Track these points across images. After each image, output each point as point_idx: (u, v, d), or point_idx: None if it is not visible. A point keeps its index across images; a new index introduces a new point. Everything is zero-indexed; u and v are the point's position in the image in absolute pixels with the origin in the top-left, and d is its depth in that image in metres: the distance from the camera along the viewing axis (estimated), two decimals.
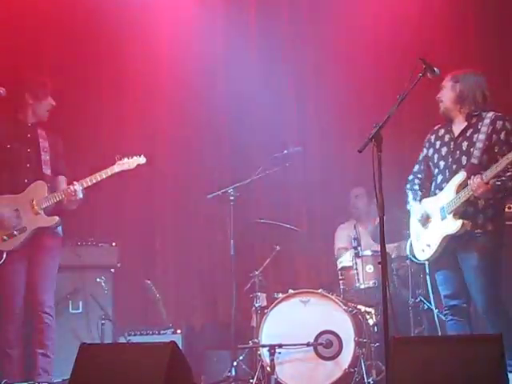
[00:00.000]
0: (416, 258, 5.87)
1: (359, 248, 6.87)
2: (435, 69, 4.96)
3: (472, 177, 5.34)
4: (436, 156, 5.74)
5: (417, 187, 5.88)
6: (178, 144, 8.24)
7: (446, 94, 5.71)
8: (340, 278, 6.99)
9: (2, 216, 6.04)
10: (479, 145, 5.45)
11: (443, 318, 6.79)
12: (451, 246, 5.54)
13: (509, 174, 5.28)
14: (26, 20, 7.79)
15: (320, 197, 8.07)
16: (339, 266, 7.05)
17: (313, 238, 7.86)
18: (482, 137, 5.46)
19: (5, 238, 6.01)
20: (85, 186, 6.06)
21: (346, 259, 7.02)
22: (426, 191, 5.84)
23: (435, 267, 5.76)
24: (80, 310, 7.06)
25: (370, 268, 6.81)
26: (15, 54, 7.63)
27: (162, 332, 7.16)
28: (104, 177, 6.12)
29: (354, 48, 8.03)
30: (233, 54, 8.06)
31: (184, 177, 8.29)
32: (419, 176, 5.91)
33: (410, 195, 5.89)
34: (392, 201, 5.26)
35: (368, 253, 6.87)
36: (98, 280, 7.11)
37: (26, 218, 6.03)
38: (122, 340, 6.98)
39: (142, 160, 6.23)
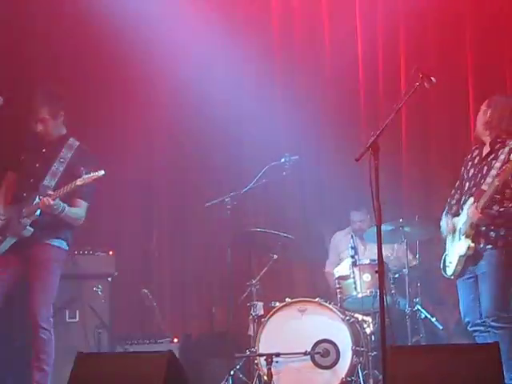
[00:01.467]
0: (445, 273, 5.91)
1: (356, 257, 6.89)
2: (432, 78, 4.99)
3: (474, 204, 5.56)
4: (465, 176, 5.89)
5: (454, 201, 5.98)
6: (176, 153, 8.29)
7: (479, 119, 5.86)
8: (337, 286, 7.00)
9: None
10: (493, 172, 5.54)
11: (440, 326, 6.85)
12: (470, 264, 5.67)
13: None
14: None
15: (317, 205, 8.10)
16: (336, 275, 7.07)
17: (310, 246, 7.88)
18: (498, 164, 5.56)
19: None
20: (55, 197, 5.97)
21: (343, 268, 7.04)
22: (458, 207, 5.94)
23: (458, 281, 5.85)
24: (77, 319, 7.05)
25: (367, 277, 6.83)
26: (32, 65, 7.72)
27: (159, 341, 7.16)
28: (72, 187, 6.00)
29: (350, 57, 8.07)
30: (230, 67, 8.11)
31: (181, 185, 8.33)
32: (459, 191, 5.98)
33: (445, 209, 6.02)
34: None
35: (365, 261, 6.89)
36: (94, 289, 7.11)
37: (12, 228, 6.06)
38: (118, 349, 6.98)
39: (100, 173, 6.13)
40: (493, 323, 5.52)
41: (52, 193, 6.00)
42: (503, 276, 5.59)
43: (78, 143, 6.28)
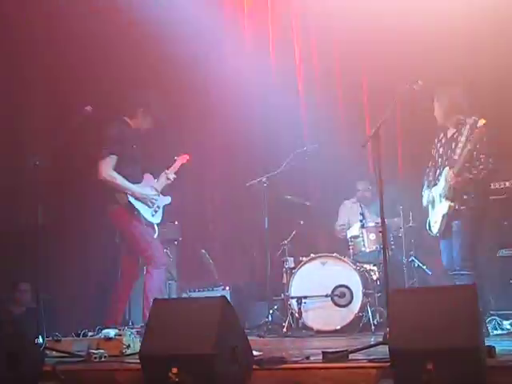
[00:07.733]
0: (431, 231, 5.81)
1: (364, 221, 6.87)
2: (419, 81, 4.93)
3: (450, 170, 5.47)
4: (437, 155, 5.81)
5: (430, 178, 5.87)
6: (224, 146, 8.29)
7: (436, 113, 5.77)
8: (350, 244, 7.00)
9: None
10: (460, 144, 5.49)
11: (429, 272, 6.81)
12: (450, 222, 5.58)
13: (481, 167, 5.41)
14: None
15: (332, 182, 8.04)
16: (349, 235, 7.05)
17: (328, 214, 7.83)
18: (463, 138, 5.49)
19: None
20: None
21: (354, 230, 7.02)
22: (434, 180, 5.85)
23: (440, 238, 5.76)
24: None
25: (372, 236, 6.80)
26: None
27: (214, 289, 7.21)
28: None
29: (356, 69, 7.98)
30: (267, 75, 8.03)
31: (228, 170, 8.32)
32: (432, 169, 5.88)
33: (425, 184, 5.91)
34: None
35: (371, 224, 6.86)
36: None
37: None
38: (184, 295, 7.03)
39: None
40: (460, 270, 5.47)
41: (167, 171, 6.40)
42: (470, 235, 5.52)
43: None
